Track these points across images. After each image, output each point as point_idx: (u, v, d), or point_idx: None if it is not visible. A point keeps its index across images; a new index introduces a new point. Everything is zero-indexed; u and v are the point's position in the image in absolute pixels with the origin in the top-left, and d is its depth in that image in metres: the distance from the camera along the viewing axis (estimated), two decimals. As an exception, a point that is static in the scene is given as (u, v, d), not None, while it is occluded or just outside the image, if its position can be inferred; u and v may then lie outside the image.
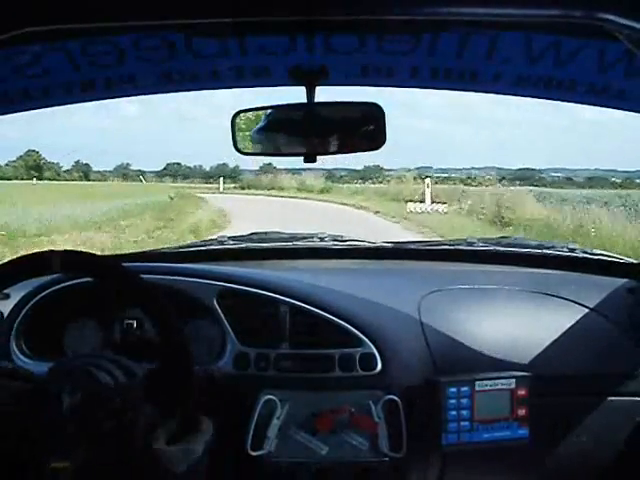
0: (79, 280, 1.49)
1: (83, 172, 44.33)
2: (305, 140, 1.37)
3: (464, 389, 1.46)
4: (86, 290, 1.48)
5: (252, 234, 2.07)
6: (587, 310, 1.58)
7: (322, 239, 2.00)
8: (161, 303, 1.19)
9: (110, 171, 45.71)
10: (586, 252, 1.92)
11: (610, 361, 1.56)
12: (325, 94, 1.34)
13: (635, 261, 1.82)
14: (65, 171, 48.20)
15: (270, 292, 1.53)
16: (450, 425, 1.46)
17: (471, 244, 1.97)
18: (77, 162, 48.30)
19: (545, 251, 1.93)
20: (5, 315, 1.55)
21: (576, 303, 1.59)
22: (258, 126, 1.40)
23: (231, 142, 1.39)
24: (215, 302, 1.52)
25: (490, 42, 1.31)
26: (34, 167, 44.28)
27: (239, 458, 1.42)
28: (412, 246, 2.07)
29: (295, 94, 1.34)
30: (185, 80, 1.50)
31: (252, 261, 1.87)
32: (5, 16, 0.94)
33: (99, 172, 44.89)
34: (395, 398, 1.45)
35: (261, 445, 1.44)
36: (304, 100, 1.32)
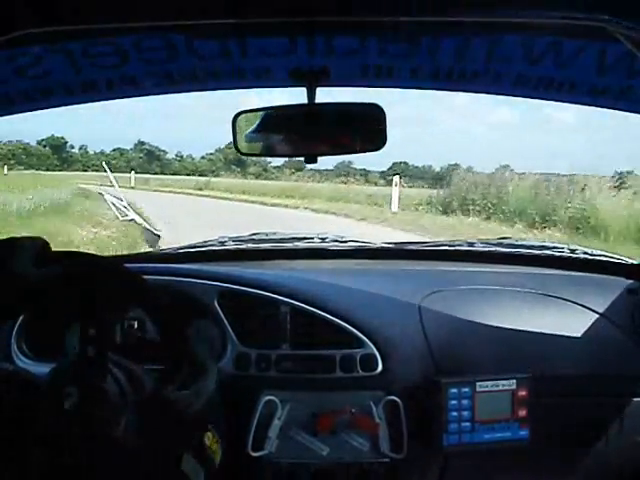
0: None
1: (295, 169, 41.05)
2: (306, 141, 1.37)
3: (465, 390, 1.46)
4: (87, 291, 1.48)
5: (253, 234, 2.07)
6: (588, 311, 1.58)
7: (323, 240, 2.00)
8: (162, 304, 1.20)
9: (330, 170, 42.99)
10: (587, 253, 1.92)
11: (611, 362, 1.56)
12: (327, 94, 1.35)
13: (636, 262, 1.82)
14: (275, 167, 46.72)
15: (271, 293, 1.53)
16: (451, 426, 1.46)
17: (472, 244, 1.97)
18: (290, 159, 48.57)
19: (546, 251, 1.93)
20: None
21: (577, 304, 1.59)
22: (258, 126, 1.40)
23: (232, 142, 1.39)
24: (216, 303, 1.52)
25: (490, 43, 1.32)
26: (234, 161, 43.23)
27: (240, 459, 1.43)
28: (413, 247, 2.07)
29: (296, 95, 1.35)
30: (186, 81, 1.50)
31: (253, 262, 1.87)
32: (6, 17, 0.94)
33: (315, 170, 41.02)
34: (396, 399, 1.45)
35: (262, 446, 1.45)
36: (305, 101, 1.32)
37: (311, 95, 1.32)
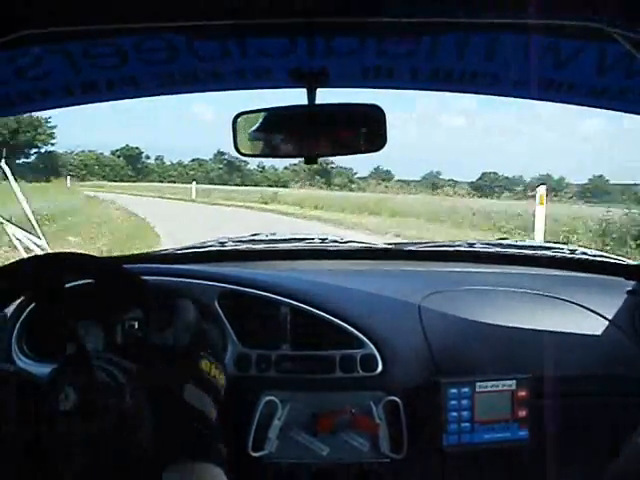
0: (80, 282, 1.49)
1: (382, 179, 39.13)
2: (306, 141, 1.37)
3: (465, 390, 1.47)
4: (87, 292, 1.48)
5: (253, 235, 2.07)
6: (587, 311, 1.58)
7: (323, 240, 2.01)
8: (162, 304, 1.20)
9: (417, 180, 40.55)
10: (586, 253, 1.92)
11: (610, 362, 1.56)
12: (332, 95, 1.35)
13: (635, 262, 1.82)
14: (361, 178, 45.15)
15: (271, 293, 1.53)
16: (451, 426, 1.46)
17: (471, 245, 1.97)
18: (377, 168, 46.32)
19: (545, 252, 1.93)
20: (7, 316, 1.55)
21: (576, 304, 1.60)
22: (259, 127, 1.40)
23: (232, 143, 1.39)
24: (216, 303, 1.53)
25: (490, 44, 1.32)
26: (319, 172, 41.45)
27: (240, 459, 1.43)
28: (412, 247, 2.07)
29: (296, 96, 1.35)
30: (186, 82, 1.50)
31: (253, 262, 1.87)
32: (6, 18, 0.94)
33: (402, 180, 38.95)
34: (396, 399, 1.45)
35: (262, 446, 1.45)
36: (305, 102, 1.33)
37: (311, 96, 1.32)
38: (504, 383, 1.48)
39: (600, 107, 1.46)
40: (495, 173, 42.65)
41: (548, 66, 1.36)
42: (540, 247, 1.99)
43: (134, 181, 44.51)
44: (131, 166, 51.11)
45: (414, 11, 1.01)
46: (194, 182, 29.10)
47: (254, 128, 1.40)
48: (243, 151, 1.41)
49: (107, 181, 43.64)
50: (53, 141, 48.68)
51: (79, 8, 0.96)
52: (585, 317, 1.58)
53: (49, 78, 1.42)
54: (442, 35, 1.30)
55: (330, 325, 1.49)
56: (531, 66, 1.37)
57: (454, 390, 1.46)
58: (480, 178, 42.18)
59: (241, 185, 41.74)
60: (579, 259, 1.87)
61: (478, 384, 1.47)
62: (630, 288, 1.65)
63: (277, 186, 38.51)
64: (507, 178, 39.30)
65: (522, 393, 1.48)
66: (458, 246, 1.98)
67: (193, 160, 53.94)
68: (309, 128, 1.34)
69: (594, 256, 1.91)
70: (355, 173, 49.17)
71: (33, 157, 50.12)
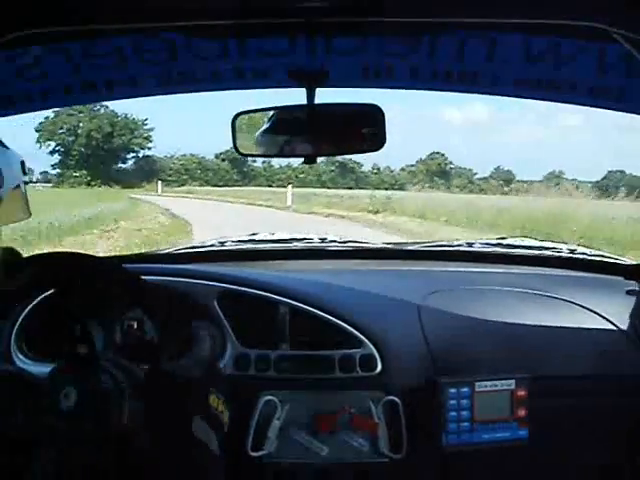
0: (80, 281, 1.49)
1: (504, 180, 37.66)
2: (305, 141, 1.38)
3: (464, 390, 1.46)
4: (88, 291, 1.48)
5: (252, 235, 2.07)
6: (587, 311, 1.58)
7: (322, 240, 2.01)
8: (162, 304, 1.20)
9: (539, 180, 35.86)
10: (586, 253, 1.92)
11: (610, 362, 1.56)
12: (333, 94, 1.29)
13: (635, 262, 1.82)
14: (481, 178, 42.66)
15: (270, 293, 1.53)
16: (450, 426, 1.46)
17: (471, 245, 1.97)
18: (497, 168, 43.79)
19: (545, 252, 1.93)
20: (7, 317, 1.55)
21: (576, 304, 1.60)
22: (259, 127, 1.40)
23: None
24: (215, 303, 1.52)
25: (490, 44, 1.32)
26: (437, 173, 40.27)
27: (240, 458, 1.43)
28: (412, 247, 2.07)
29: (296, 95, 1.34)
30: (185, 81, 1.50)
31: (252, 262, 1.87)
32: (6, 18, 0.94)
33: (522, 181, 35.42)
34: (395, 399, 1.45)
35: (261, 446, 1.45)
36: (304, 101, 1.33)
37: (311, 96, 1.32)
38: (503, 383, 1.48)
39: (601, 107, 1.46)
40: (622, 172, 39.61)
41: (548, 66, 1.36)
42: (540, 247, 1.99)
43: (240, 185, 41.84)
44: (236, 170, 47.91)
45: (414, 11, 1.01)
46: (290, 186, 24.68)
47: (254, 128, 1.40)
48: (242, 151, 1.41)
49: (211, 186, 40.86)
50: (150, 145, 47.83)
51: (79, 8, 0.96)
52: (584, 317, 1.58)
53: (49, 78, 1.42)
54: (442, 35, 1.30)
55: (329, 325, 1.49)
56: (531, 66, 1.37)
57: (453, 390, 1.46)
58: (605, 177, 39.17)
59: (355, 188, 37.68)
60: (579, 259, 1.87)
61: (477, 384, 1.47)
62: (629, 288, 1.65)
63: (393, 188, 35.63)
64: (635, 177, 35.35)
65: (521, 393, 1.48)
66: (458, 246, 1.98)
67: (302, 163, 51.93)
68: (308, 128, 1.34)
69: (594, 256, 1.91)
70: (475, 174, 45.63)
71: (131, 162, 48.86)
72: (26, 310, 1.53)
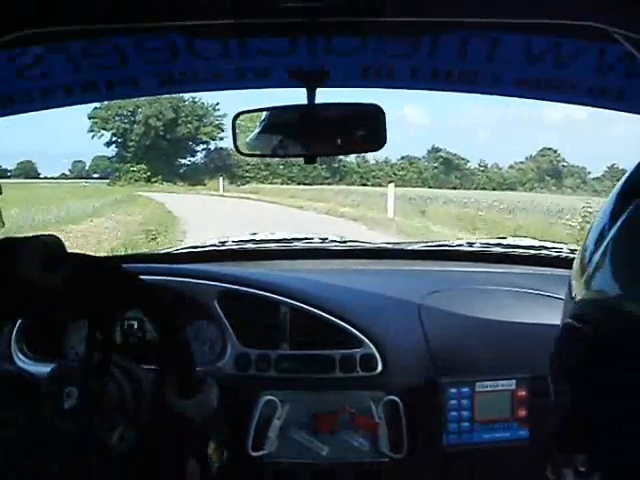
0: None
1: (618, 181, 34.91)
2: (305, 141, 1.37)
3: (464, 390, 1.47)
4: (87, 291, 1.48)
5: (253, 235, 2.07)
6: None
7: (323, 240, 2.01)
8: (162, 304, 1.20)
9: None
10: None
11: None
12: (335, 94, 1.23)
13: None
14: (595, 178, 37.70)
15: (270, 293, 1.53)
16: (451, 426, 1.46)
17: (471, 244, 1.97)
18: (611, 167, 38.10)
19: (545, 251, 1.93)
20: (7, 317, 1.55)
21: None
22: (259, 127, 1.40)
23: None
24: (216, 303, 1.53)
25: (490, 44, 1.32)
26: (549, 171, 35.79)
27: (240, 458, 1.43)
28: (412, 247, 2.07)
29: (296, 95, 1.32)
30: (186, 81, 1.50)
31: (253, 262, 1.87)
32: (6, 18, 0.94)
33: None
34: (395, 399, 1.45)
35: (262, 445, 1.45)
36: (304, 101, 1.33)
37: (311, 96, 1.32)
38: (504, 383, 1.48)
39: (601, 107, 1.46)
40: None
41: (548, 66, 1.36)
42: (540, 246, 1.99)
43: (328, 184, 36.13)
44: (325, 166, 41.50)
45: (414, 11, 1.01)
46: (391, 185, 17.76)
47: (254, 127, 1.40)
48: (243, 151, 1.41)
49: (294, 184, 34.99)
50: (222, 135, 41.59)
51: (79, 8, 0.96)
52: None
53: (49, 77, 1.42)
54: (442, 35, 1.30)
55: (330, 325, 1.49)
56: (531, 66, 1.37)
57: (454, 390, 1.46)
58: None
59: (459, 188, 33.31)
60: None
61: (478, 384, 1.47)
62: None
63: (501, 189, 31.27)
64: None
65: (522, 393, 1.48)
66: (458, 246, 1.98)
67: (402, 158, 44.58)
68: (309, 128, 1.34)
69: None
70: (588, 172, 41.20)
71: (200, 154, 42.68)
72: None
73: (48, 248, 1.12)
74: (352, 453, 1.46)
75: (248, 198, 25.35)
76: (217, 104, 41.65)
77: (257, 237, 2.04)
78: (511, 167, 42.24)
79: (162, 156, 40.70)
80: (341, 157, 40.06)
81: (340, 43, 1.34)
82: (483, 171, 42.86)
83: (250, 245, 1.97)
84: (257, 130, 1.41)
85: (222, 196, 26.81)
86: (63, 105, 1.57)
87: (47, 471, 1.11)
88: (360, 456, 1.46)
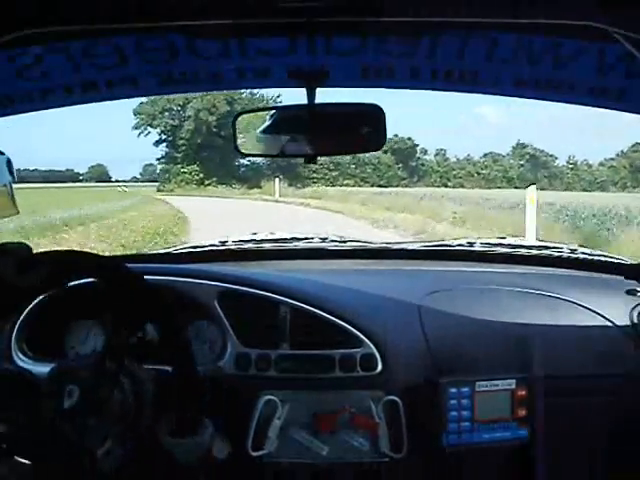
0: (81, 281, 1.49)
1: None
2: (305, 141, 1.38)
3: (464, 389, 1.47)
4: (88, 291, 1.48)
5: (253, 234, 2.07)
6: (587, 311, 1.58)
7: (323, 240, 2.01)
8: (162, 304, 1.20)
9: None
10: (586, 253, 1.92)
11: (610, 362, 1.56)
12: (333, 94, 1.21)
13: (635, 262, 1.82)
14: None
15: (271, 293, 1.53)
16: (451, 425, 1.46)
17: (471, 244, 1.97)
18: None
19: (545, 251, 1.93)
20: (7, 316, 1.55)
21: (576, 304, 1.60)
22: (259, 127, 1.41)
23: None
24: (216, 303, 1.53)
25: (490, 44, 1.32)
26: None
27: (240, 458, 1.43)
28: (412, 246, 2.07)
29: (297, 95, 1.29)
30: (186, 81, 1.50)
31: (253, 262, 1.87)
32: (6, 18, 0.94)
33: None
34: (395, 398, 1.45)
35: (262, 445, 1.45)
36: (305, 101, 1.33)
37: (311, 95, 1.32)
38: (504, 382, 1.48)
39: (600, 107, 1.46)
40: None
41: (548, 66, 1.36)
42: (540, 246, 1.99)
43: (405, 186, 32.94)
44: (402, 164, 38.30)
45: (414, 11, 1.01)
46: (531, 187, 10.08)
47: (254, 128, 1.40)
48: (243, 150, 1.42)
49: (368, 185, 31.27)
50: None
51: (79, 8, 0.96)
52: (584, 316, 1.58)
53: (49, 77, 1.42)
54: (442, 35, 1.30)
55: (330, 325, 1.49)
56: (531, 66, 1.37)
57: (454, 389, 1.46)
58: None
59: (547, 188, 28.93)
60: (579, 258, 1.87)
61: (478, 383, 1.47)
62: (629, 288, 1.65)
63: (591, 190, 27.03)
64: None
65: (522, 392, 1.48)
66: (458, 245, 1.98)
67: (485, 155, 41.43)
68: (309, 128, 1.35)
69: (594, 255, 1.91)
70: None
71: None
72: (26, 310, 1.54)
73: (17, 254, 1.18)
74: (352, 453, 1.46)
75: (307, 205, 21.19)
76: (279, 96, 35.16)
77: (257, 237, 2.04)
78: (601, 164, 38.15)
79: (216, 156, 36.01)
80: (418, 155, 38.30)
81: (340, 43, 1.34)
82: (572, 169, 38.56)
83: (250, 245, 1.97)
84: (258, 130, 1.41)
85: (276, 202, 22.94)
86: (63, 105, 1.57)
87: (48, 470, 1.11)
88: (360, 456, 1.46)
